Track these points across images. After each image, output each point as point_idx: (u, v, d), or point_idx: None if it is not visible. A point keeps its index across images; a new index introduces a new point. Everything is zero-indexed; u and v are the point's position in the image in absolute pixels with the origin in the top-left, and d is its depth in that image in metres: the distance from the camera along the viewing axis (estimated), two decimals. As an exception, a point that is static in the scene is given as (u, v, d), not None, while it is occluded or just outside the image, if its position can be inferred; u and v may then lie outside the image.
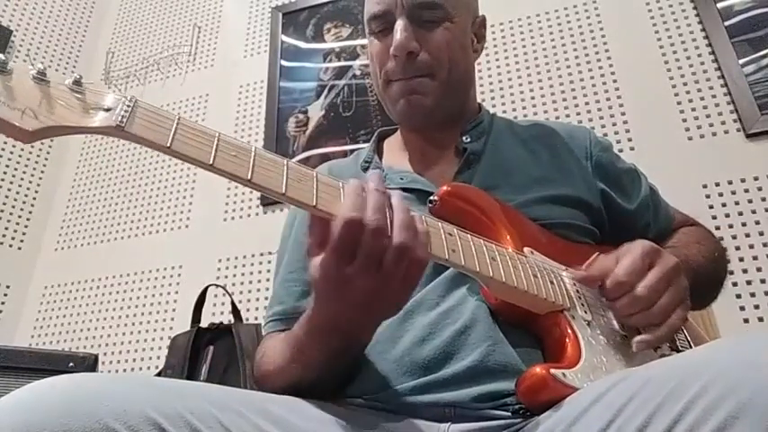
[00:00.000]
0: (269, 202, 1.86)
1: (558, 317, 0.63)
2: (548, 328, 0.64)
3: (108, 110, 0.46)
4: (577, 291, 0.68)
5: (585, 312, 0.65)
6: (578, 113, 1.65)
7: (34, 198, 2.11)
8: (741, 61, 1.51)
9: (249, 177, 0.48)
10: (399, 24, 0.78)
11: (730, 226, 1.40)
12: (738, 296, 1.33)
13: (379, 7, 0.81)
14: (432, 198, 0.70)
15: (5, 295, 1.96)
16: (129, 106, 0.46)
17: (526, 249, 0.68)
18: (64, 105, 0.45)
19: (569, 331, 0.62)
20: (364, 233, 0.50)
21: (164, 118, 0.47)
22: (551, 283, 0.65)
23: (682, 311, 0.63)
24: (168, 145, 0.46)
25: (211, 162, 0.47)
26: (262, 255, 1.81)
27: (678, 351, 0.71)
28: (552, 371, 0.56)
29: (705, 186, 1.45)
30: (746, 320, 1.31)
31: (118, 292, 1.92)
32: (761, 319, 1.30)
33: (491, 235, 0.66)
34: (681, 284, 0.64)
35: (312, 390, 0.63)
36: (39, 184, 2.14)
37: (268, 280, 1.74)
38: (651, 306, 0.62)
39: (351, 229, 0.50)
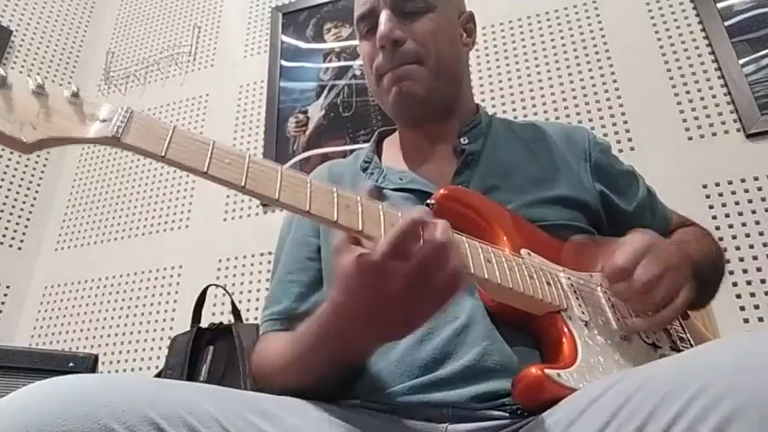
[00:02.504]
0: (269, 202, 1.86)
1: (554, 318, 0.63)
2: (544, 329, 0.64)
3: (104, 121, 0.47)
4: (575, 291, 0.68)
5: (583, 313, 0.65)
6: (578, 113, 1.65)
7: (34, 198, 2.11)
8: (741, 61, 1.51)
9: (243, 184, 0.49)
10: (382, 17, 0.79)
11: (730, 226, 1.40)
12: (738, 296, 1.33)
13: (364, 8, 0.83)
14: (429, 201, 0.70)
15: (5, 295, 1.96)
16: (124, 117, 0.47)
17: (523, 251, 0.68)
18: (61, 117, 0.46)
19: (566, 332, 0.62)
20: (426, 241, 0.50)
21: (158, 128, 0.48)
22: (548, 284, 0.65)
23: (684, 295, 0.64)
24: (163, 154, 0.47)
25: (206, 170, 0.48)
26: (262, 255, 1.81)
27: (679, 352, 0.71)
28: (547, 371, 0.56)
29: (705, 186, 1.45)
30: (746, 320, 1.31)
31: (118, 292, 1.92)
32: (761, 319, 1.30)
33: (488, 237, 0.66)
34: (680, 270, 0.65)
35: (307, 395, 0.63)
36: (39, 184, 2.14)
37: (268, 280, 1.74)
38: (650, 290, 0.62)
39: (416, 227, 0.49)
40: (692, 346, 0.74)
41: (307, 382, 0.64)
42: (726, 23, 1.57)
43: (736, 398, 0.37)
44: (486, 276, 0.59)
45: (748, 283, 1.34)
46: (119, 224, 2.05)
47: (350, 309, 0.55)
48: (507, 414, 0.59)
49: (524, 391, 0.56)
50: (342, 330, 0.57)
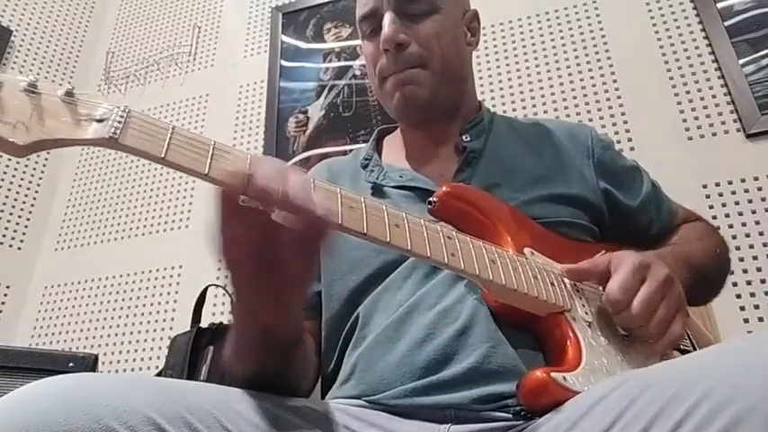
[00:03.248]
0: (269, 201, 1.86)
1: (558, 318, 0.63)
2: (548, 330, 0.63)
3: (101, 121, 0.44)
4: (578, 291, 0.67)
5: (586, 314, 0.65)
6: (578, 113, 1.65)
7: (34, 198, 2.11)
8: (741, 61, 1.51)
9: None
10: (386, 18, 0.78)
11: (730, 226, 1.39)
12: (738, 296, 1.33)
13: (367, 8, 0.82)
14: (431, 199, 0.69)
15: (5, 295, 1.95)
16: (122, 117, 0.45)
17: (526, 250, 0.68)
18: (55, 117, 0.43)
19: (570, 333, 0.62)
20: (249, 186, 0.46)
21: (158, 128, 0.46)
22: (552, 284, 0.64)
23: (680, 320, 0.63)
24: (162, 156, 0.45)
25: (206, 172, 0.47)
26: (261, 255, 1.80)
27: (681, 351, 0.71)
28: (553, 374, 0.56)
29: (705, 186, 1.44)
30: (746, 320, 1.31)
31: (118, 292, 1.92)
32: (761, 319, 1.30)
33: (491, 236, 0.66)
34: (675, 294, 0.63)
35: (257, 386, 0.59)
36: (39, 184, 2.13)
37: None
38: (649, 320, 0.61)
39: (235, 181, 0.46)
40: (692, 342, 0.74)
41: (250, 373, 0.60)
42: (726, 23, 1.56)
43: (742, 402, 0.37)
44: (492, 278, 0.59)
45: (748, 283, 1.33)
46: (119, 224, 2.04)
47: (233, 266, 0.53)
48: (510, 415, 0.59)
49: (529, 393, 0.56)
50: (242, 294, 0.54)
